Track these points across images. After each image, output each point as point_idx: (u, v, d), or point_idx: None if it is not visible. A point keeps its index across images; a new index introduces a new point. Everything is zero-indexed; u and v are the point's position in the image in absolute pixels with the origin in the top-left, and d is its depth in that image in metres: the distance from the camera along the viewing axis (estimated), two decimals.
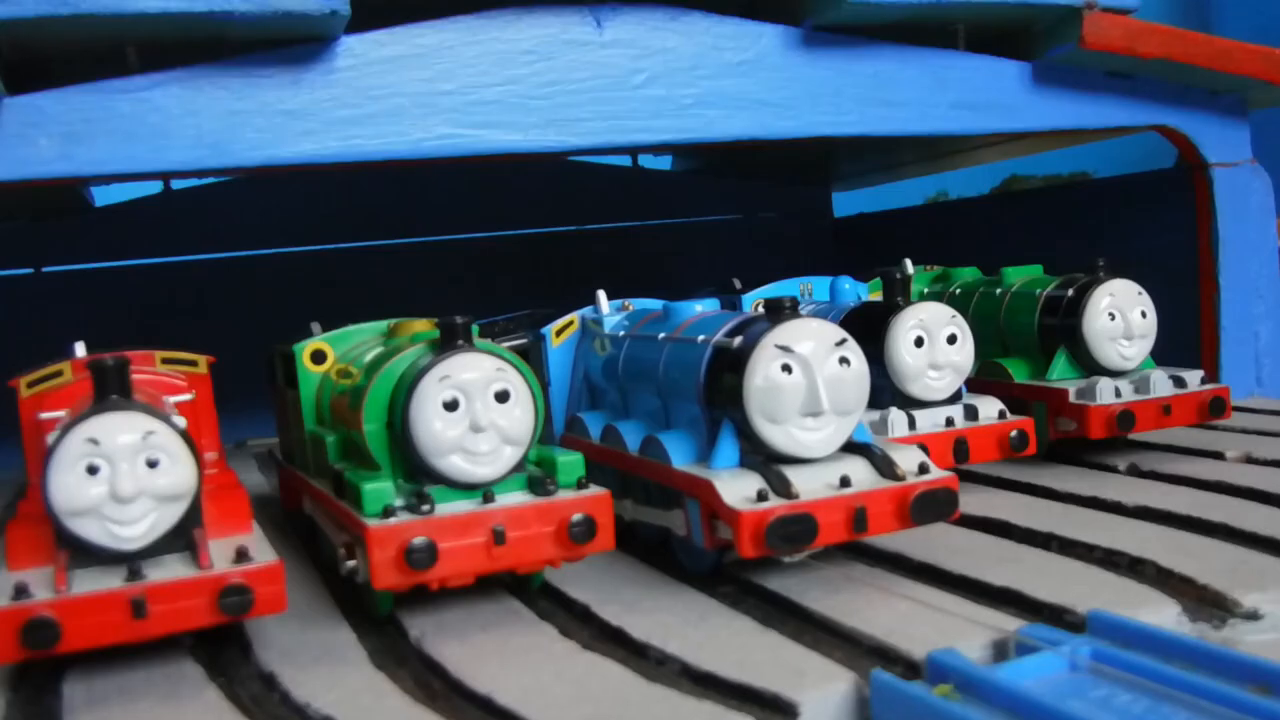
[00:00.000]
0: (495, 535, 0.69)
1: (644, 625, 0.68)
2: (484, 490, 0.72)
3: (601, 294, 0.98)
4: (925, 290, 1.27)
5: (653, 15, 1.07)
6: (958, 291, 1.22)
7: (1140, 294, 1.04)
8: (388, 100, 1.00)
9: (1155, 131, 1.29)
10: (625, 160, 1.96)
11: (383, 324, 0.90)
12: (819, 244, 2.09)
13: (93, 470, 0.64)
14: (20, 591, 0.61)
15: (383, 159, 1.00)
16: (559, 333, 0.99)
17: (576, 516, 0.71)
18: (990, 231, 1.70)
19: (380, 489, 0.70)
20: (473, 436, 0.71)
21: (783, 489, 0.69)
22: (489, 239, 1.89)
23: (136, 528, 0.65)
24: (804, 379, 0.72)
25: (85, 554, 0.65)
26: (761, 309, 0.77)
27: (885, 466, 0.72)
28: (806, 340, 0.72)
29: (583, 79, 1.05)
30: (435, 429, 0.71)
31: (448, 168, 1.45)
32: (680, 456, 0.77)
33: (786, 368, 0.72)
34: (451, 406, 0.71)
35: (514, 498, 0.72)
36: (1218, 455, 1.03)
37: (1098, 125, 1.24)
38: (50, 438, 0.64)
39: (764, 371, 0.71)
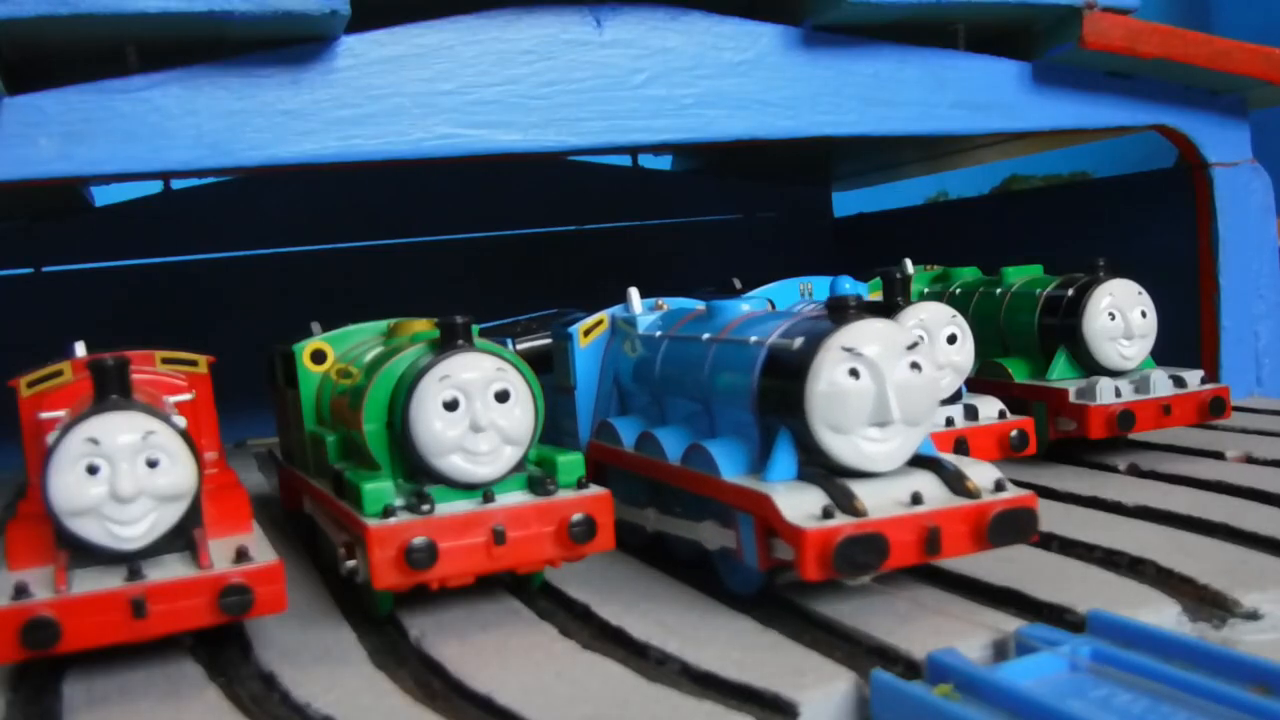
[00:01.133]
0: (495, 535, 0.69)
1: (644, 625, 0.68)
2: (484, 490, 0.72)
3: (634, 292, 0.92)
4: (925, 290, 1.27)
5: (653, 15, 1.07)
6: (958, 291, 1.22)
7: (1140, 294, 1.04)
8: (388, 100, 1.00)
9: (1155, 131, 1.29)
10: (625, 160, 1.96)
11: (383, 324, 0.90)
12: (819, 244, 2.09)
13: (93, 470, 0.64)
14: (20, 591, 0.61)
15: (383, 159, 1.00)
16: (587, 333, 0.93)
17: (576, 516, 0.71)
18: (990, 231, 1.70)
19: (380, 489, 0.70)
20: (473, 436, 0.71)
21: (849, 506, 0.63)
22: (489, 239, 1.89)
23: (136, 528, 0.65)
24: (872, 385, 0.66)
25: (85, 554, 0.65)
26: (822, 308, 0.71)
27: (957, 482, 0.66)
28: (875, 342, 0.66)
29: (583, 79, 1.05)
30: (435, 429, 0.71)
31: (448, 168, 1.45)
32: (730, 467, 0.70)
33: (854, 372, 0.66)
34: (451, 406, 0.71)
35: (514, 497, 0.72)
36: (1218, 455, 1.03)
37: (1098, 125, 1.24)
38: (50, 437, 0.64)
39: (829, 376, 0.65)
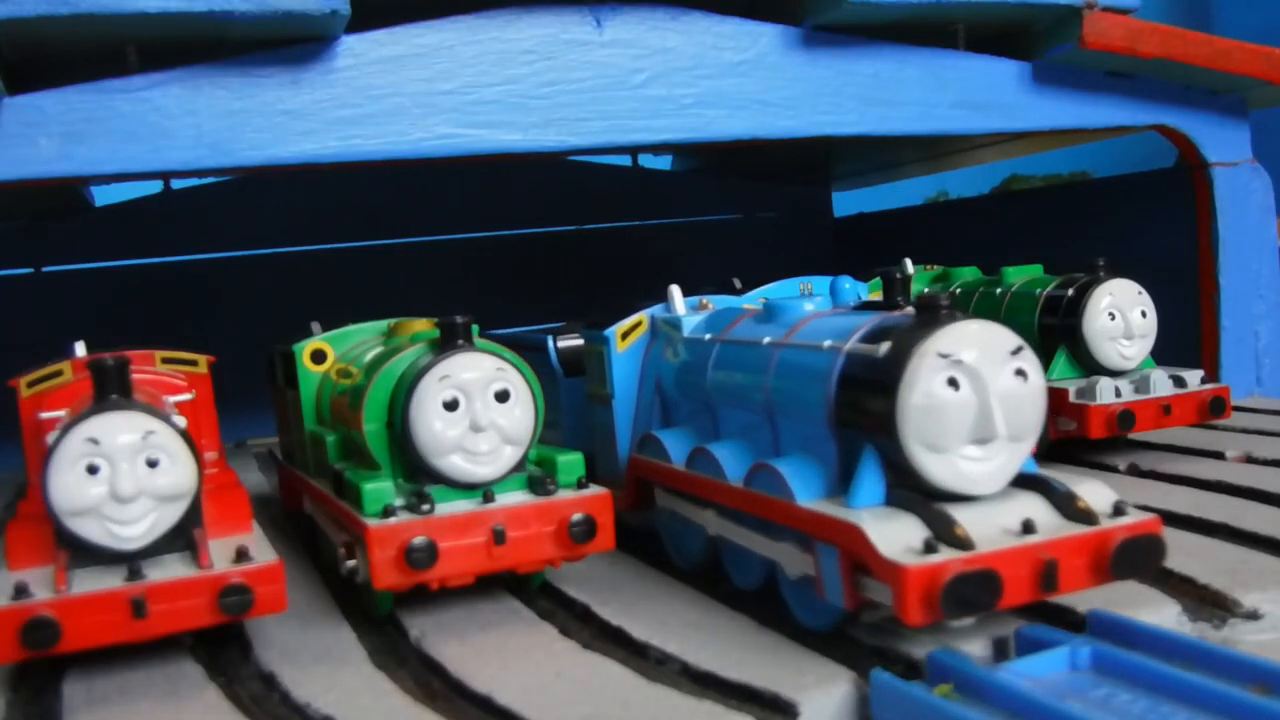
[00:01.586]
0: (495, 535, 0.69)
1: (644, 625, 0.68)
2: (484, 490, 0.72)
3: (675, 290, 0.86)
4: (925, 290, 1.27)
5: (653, 15, 1.07)
6: (958, 291, 1.22)
7: (1140, 294, 1.04)
8: (387, 100, 1.00)
9: (1155, 131, 1.29)
10: (625, 160, 1.96)
11: (383, 324, 0.90)
12: (819, 244, 2.09)
13: (93, 470, 0.64)
14: (20, 591, 0.61)
15: (383, 159, 1.00)
16: (624, 335, 0.86)
17: (576, 516, 0.71)
18: (990, 231, 1.70)
19: (380, 489, 0.70)
20: (473, 436, 0.71)
21: (953, 537, 0.55)
22: (489, 239, 1.89)
23: (136, 527, 0.65)
24: (974, 396, 0.58)
25: (85, 554, 0.65)
26: (910, 308, 0.63)
27: (1069, 505, 0.59)
28: (975, 346, 0.58)
29: (583, 79, 1.05)
30: (435, 429, 0.71)
31: (448, 167, 1.45)
32: (806, 490, 0.63)
33: (952, 382, 0.58)
34: (451, 406, 0.71)
35: (514, 497, 0.72)
36: (1218, 455, 1.03)
37: (1098, 125, 1.24)
38: (50, 437, 0.64)
39: (925, 386, 0.57)
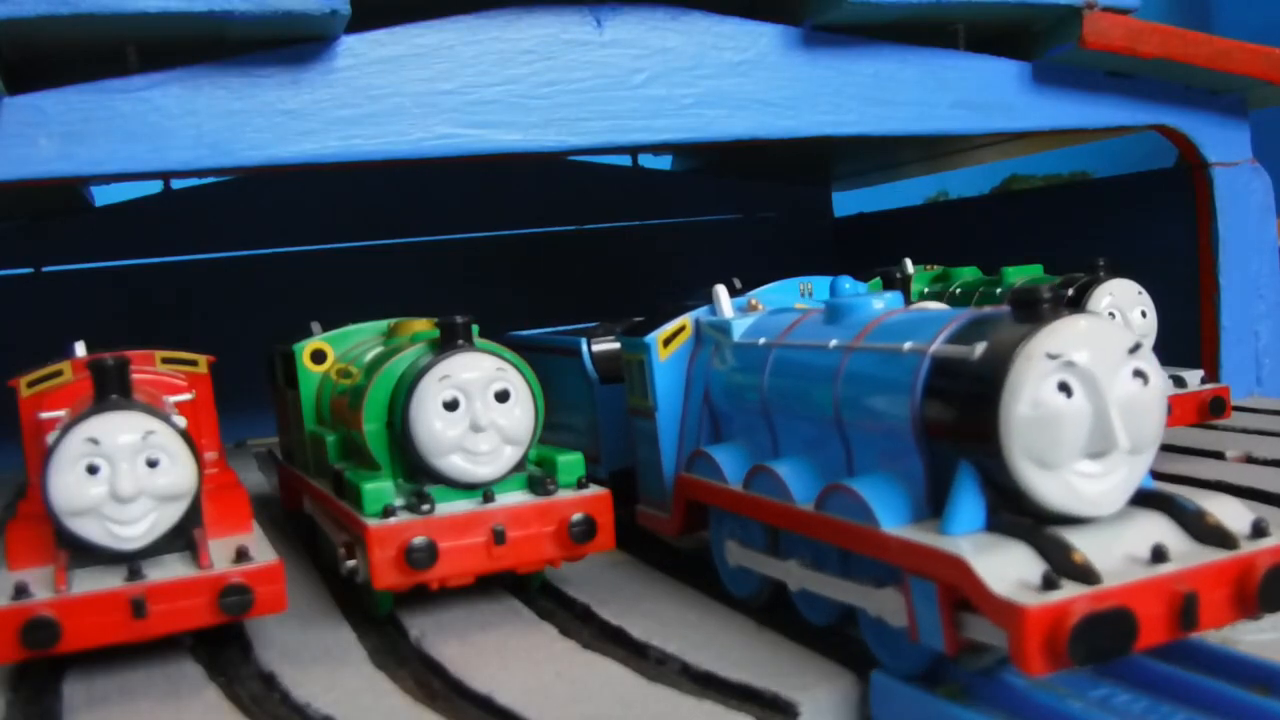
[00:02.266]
0: (495, 535, 0.69)
1: (644, 625, 0.68)
2: (484, 490, 0.72)
3: (721, 291, 0.79)
4: (925, 290, 1.26)
5: (653, 15, 1.07)
6: (958, 291, 1.22)
7: (1140, 293, 1.04)
8: (388, 100, 1.00)
9: (1155, 131, 1.29)
10: (625, 160, 1.96)
11: (383, 324, 0.90)
12: (819, 244, 2.08)
13: (93, 470, 0.64)
14: (20, 591, 0.61)
15: (383, 159, 1.00)
16: (667, 341, 0.78)
17: (576, 516, 0.71)
18: (990, 231, 1.70)
19: (380, 489, 0.70)
20: (473, 436, 0.71)
21: (1074, 568, 0.47)
22: (489, 239, 1.89)
23: (136, 527, 0.65)
24: (1088, 404, 0.51)
25: (85, 554, 0.65)
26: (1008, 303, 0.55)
27: (1200, 526, 0.51)
28: (1087, 346, 0.51)
29: (583, 79, 1.05)
30: (435, 428, 0.71)
31: (448, 167, 1.45)
32: (891, 515, 0.55)
33: (1064, 387, 0.50)
34: (451, 406, 0.71)
35: (514, 497, 0.72)
36: (1218, 455, 1.03)
37: (1098, 125, 1.24)
38: (50, 437, 0.64)
39: (1032, 394, 0.50)
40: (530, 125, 1.04)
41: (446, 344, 0.73)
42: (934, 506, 0.55)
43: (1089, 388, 0.51)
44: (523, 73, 1.03)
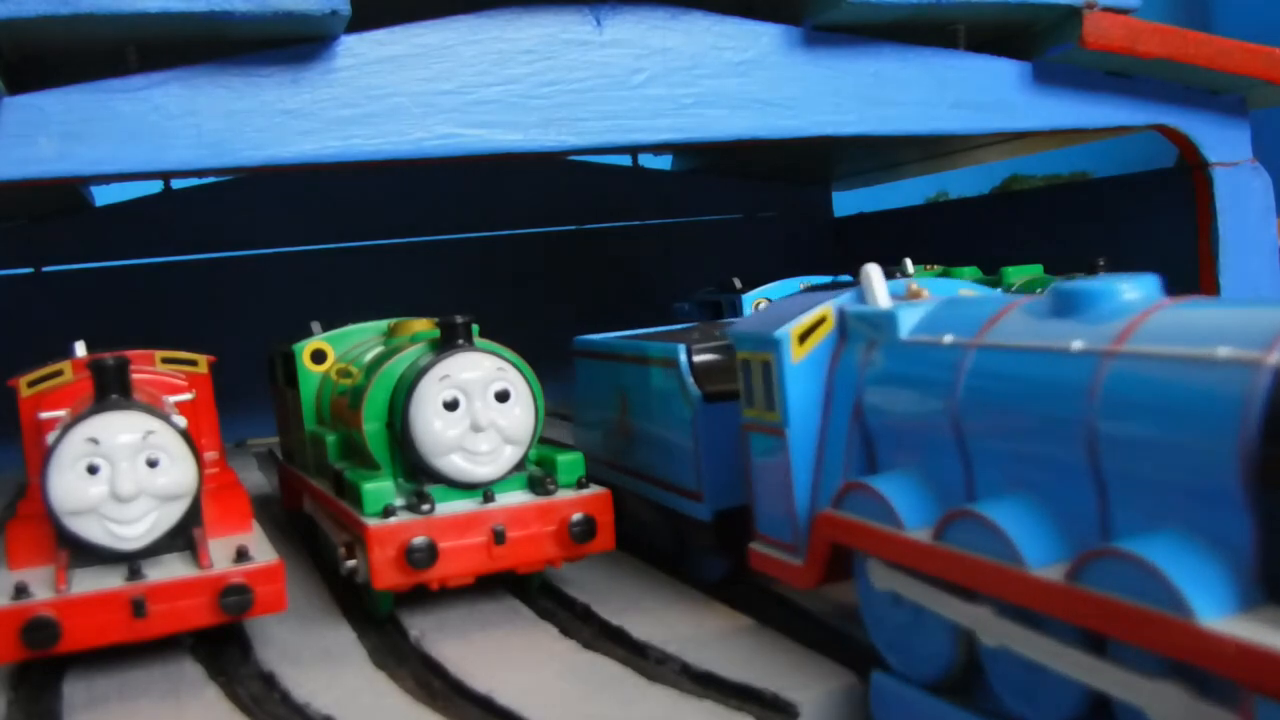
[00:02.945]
0: (495, 535, 0.69)
1: (644, 625, 0.68)
2: (484, 490, 0.72)
3: (874, 271, 0.61)
4: None
5: (653, 14, 1.07)
6: None
7: None
8: (388, 100, 1.00)
9: (1155, 131, 1.29)
10: (625, 160, 1.96)
11: (383, 324, 0.90)
12: (819, 244, 2.08)
13: (93, 470, 0.64)
14: (20, 591, 0.61)
15: (383, 159, 1.00)
16: (803, 337, 0.61)
17: (576, 516, 0.71)
18: (990, 231, 1.70)
19: (380, 489, 0.70)
20: (473, 436, 0.71)
21: None
22: (489, 239, 1.89)
23: (136, 527, 0.65)
24: None
25: (85, 553, 0.65)
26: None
27: None
28: None
29: (583, 79, 1.05)
30: (435, 428, 0.71)
31: (448, 167, 1.45)
32: (1210, 601, 0.38)
33: None
34: (452, 406, 0.71)
35: (514, 497, 0.72)
36: None
37: (1098, 125, 1.24)
38: (50, 437, 0.64)
39: None
40: (530, 125, 1.04)
41: (446, 344, 0.73)
42: (1269, 587, 0.39)
43: None
44: (523, 73, 1.03)
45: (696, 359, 0.77)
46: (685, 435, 0.75)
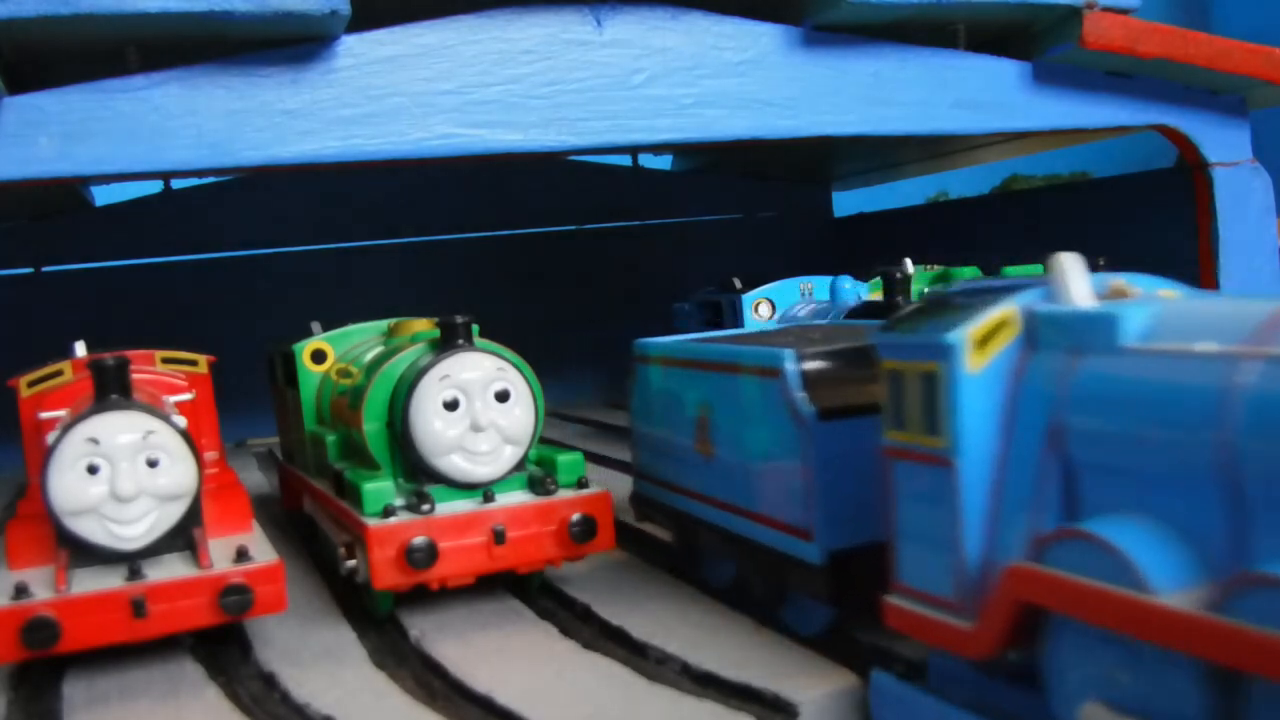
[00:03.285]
0: (495, 535, 0.69)
1: (644, 625, 0.68)
2: (484, 490, 0.72)
3: (1071, 261, 0.52)
4: (925, 289, 1.27)
5: (653, 14, 1.07)
6: None
7: None
8: (388, 100, 1.00)
9: (1155, 131, 1.29)
10: (625, 160, 1.96)
11: (383, 324, 0.90)
12: (819, 244, 2.09)
13: (93, 470, 0.64)
14: (20, 591, 0.61)
15: (383, 159, 1.00)
16: (983, 343, 0.50)
17: (576, 516, 0.71)
18: (990, 231, 1.70)
19: (380, 488, 0.70)
20: (473, 436, 0.71)
21: None
22: (489, 239, 1.89)
23: (136, 527, 0.65)
24: None
25: (85, 553, 0.65)
26: None
27: None
28: None
29: (583, 79, 1.05)
30: (435, 428, 0.71)
31: (448, 167, 1.45)
32: None
33: None
34: (452, 406, 0.71)
35: (514, 497, 0.72)
36: None
37: (1098, 125, 1.24)
38: (50, 437, 0.64)
39: None
40: (530, 125, 1.04)
41: (446, 344, 0.73)
42: None
43: None
44: (523, 73, 1.03)
45: (807, 367, 0.64)
46: (791, 460, 0.63)
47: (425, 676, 0.65)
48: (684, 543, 0.78)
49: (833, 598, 0.61)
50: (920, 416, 0.51)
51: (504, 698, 0.59)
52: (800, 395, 0.63)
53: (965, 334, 0.49)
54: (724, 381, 0.70)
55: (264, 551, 0.67)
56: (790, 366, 0.64)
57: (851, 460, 0.60)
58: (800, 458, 0.62)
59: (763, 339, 0.74)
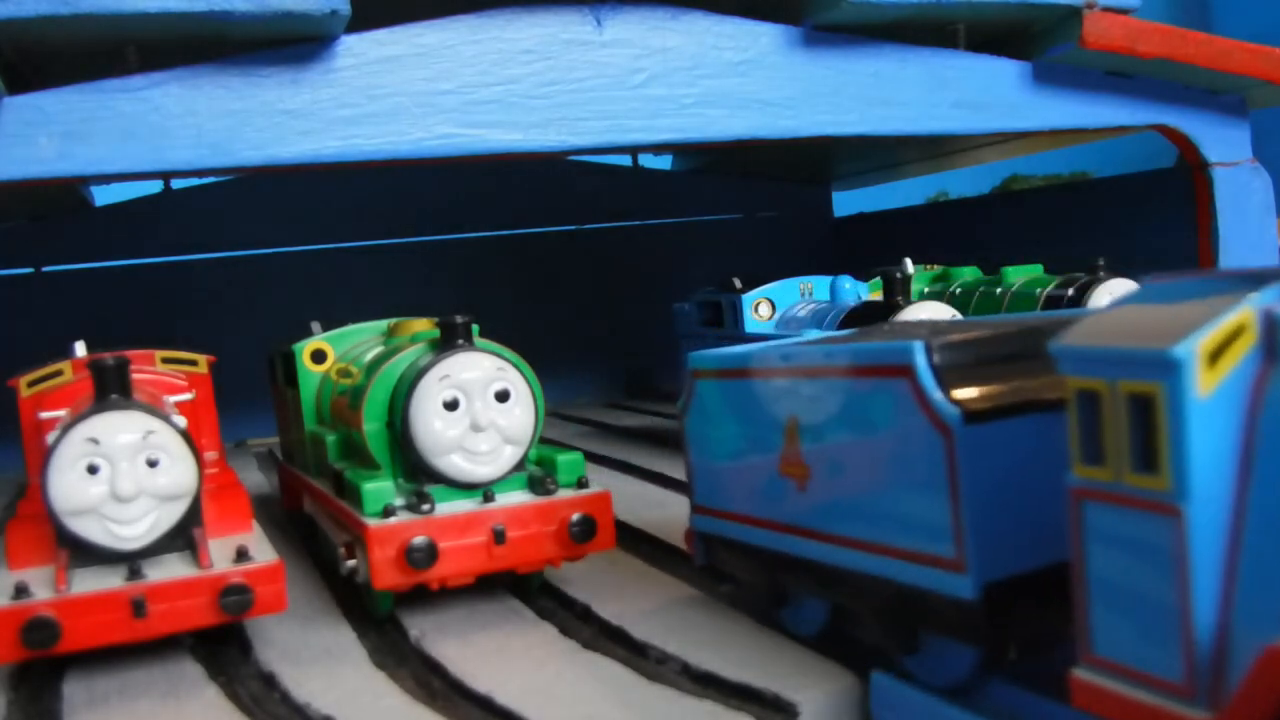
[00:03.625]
0: (495, 535, 0.69)
1: (644, 625, 0.68)
2: (484, 490, 0.72)
3: None
4: (925, 290, 1.27)
5: (653, 14, 1.07)
6: (958, 291, 1.22)
7: None
8: (388, 100, 1.00)
9: (1155, 131, 1.29)
10: (625, 160, 1.96)
11: (383, 323, 0.90)
12: (819, 244, 2.09)
13: (93, 470, 0.64)
14: (20, 591, 0.61)
15: (383, 159, 1.00)
16: (1214, 357, 0.38)
17: (576, 516, 0.71)
18: (990, 231, 1.70)
19: (380, 488, 0.70)
20: (473, 436, 0.71)
21: None
22: (489, 239, 1.89)
23: (136, 527, 0.65)
24: None
25: (85, 553, 0.65)
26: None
27: None
28: None
29: (583, 79, 1.05)
30: (435, 428, 0.71)
31: (447, 167, 1.45)
32: None
33: None
34: (452, 406, 0.71)
35: (514, 497, 0.72)
36: None
37: (1098, 125, 1.24)
38: (50, 437, 0.64)
39: None
40: (530, 125, 1.04)
41: (446, 344, 0.73)
42: None
43: None
44: (523, 73, 1.03)
45: (940, 360, 0.53)
46: (929, 474, 0.52)
47: (425, 676, 0.65)
48: (764, 584, 0.66)
49: (989, 639, 0.50)
50: (1129, 450, 0.41)
51: (504, 698, 0.59)
52: (938, 395, 0.52)
53: (1195, 346, 0.38)
54: (822, 389, 0.58)
55: (264, 551, 0.67)
56: (921, 360, 0.52)
57: (1006, 470, 0.50)
58: (944, 472, 0.51)
59: (860, 338, 0.65)
